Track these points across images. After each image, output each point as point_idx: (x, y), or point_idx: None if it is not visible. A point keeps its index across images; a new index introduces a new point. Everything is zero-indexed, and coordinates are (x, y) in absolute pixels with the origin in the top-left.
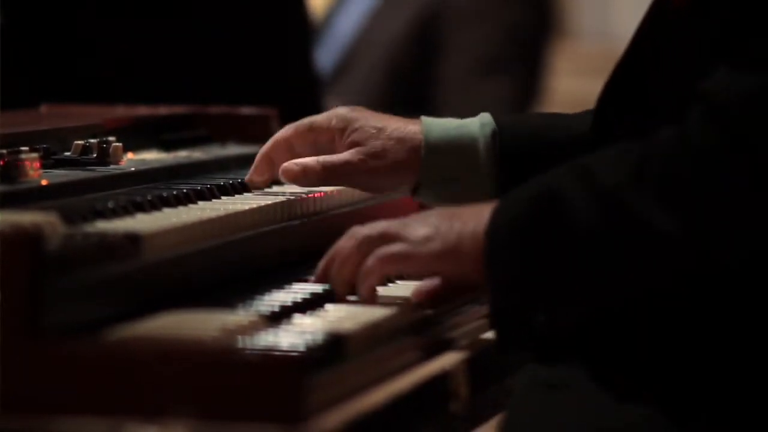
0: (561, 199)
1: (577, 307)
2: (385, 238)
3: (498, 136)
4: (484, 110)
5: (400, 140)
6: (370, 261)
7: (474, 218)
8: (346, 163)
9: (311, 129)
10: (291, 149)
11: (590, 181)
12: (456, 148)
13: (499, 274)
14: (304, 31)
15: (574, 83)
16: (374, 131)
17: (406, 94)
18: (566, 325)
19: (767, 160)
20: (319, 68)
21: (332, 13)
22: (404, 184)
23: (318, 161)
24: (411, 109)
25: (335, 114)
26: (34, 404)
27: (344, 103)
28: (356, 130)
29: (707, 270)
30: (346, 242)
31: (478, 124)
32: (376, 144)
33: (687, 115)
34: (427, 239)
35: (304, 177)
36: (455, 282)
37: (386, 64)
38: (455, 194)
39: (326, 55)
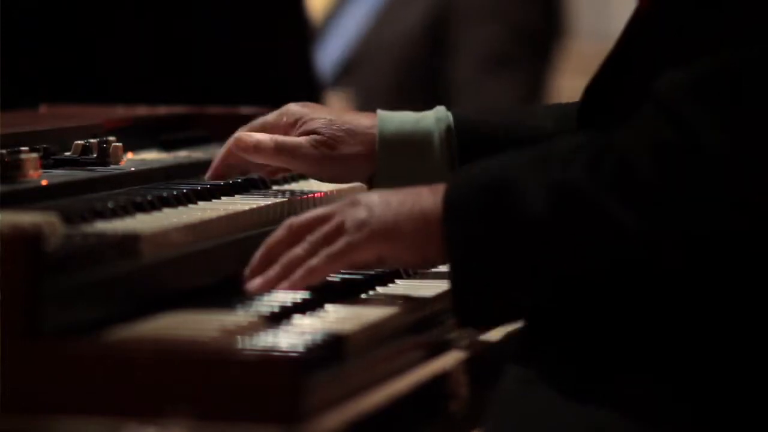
0: (513, 188)
1: (533, 294)
2: (328, 236)
3: (453, 130)
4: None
5: (351, 132)
6: (316, 261)
7: (411, 199)
8: (298, 145)
9: (263, 128)
10: None
11: (543, 169)
12: (410, 143)
13: (458, 258)
14: (303, 31)
15: (573, 83)
16: (325, 122)
17: (417, 92)
18: (524, 306)
19: (713, 150)
20: (318, 67)
21: (335, 12)
22: (357, 176)
23: (271, 138)
24: (421, 107)
25: (286, 110)
26: (33, 404)
27: (352, 101)
28: (307, 121)
29: (660, 259)
30: (284, 236)
31: (434, 119)
32: (327, 132)
33: (639, 112)
34: (363, 223)
35: (255, 151)
36: (394, 263)
37: (398, 62)
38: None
39: (330, 54)
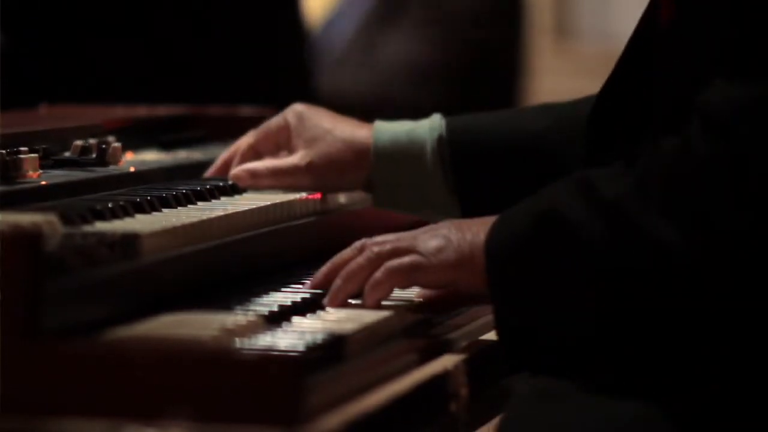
0: (561, 213)
1: (581, 319)
2: (397, 252)
3: (445, 139)
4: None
5: (347, 143)
6: (380, 273)
7: (484, 230)
8: (292, 167)
9: (268, 132)
10: (257, 154)
11: (591, 193)
12: (404, 154)
13: (501, 291)
14: (301, 32)
15: (573, 84)
16: (322, 132)
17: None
18: (572, 338)
19: (765, 169)
20: (315, 68)
21: (332, 14)
22: (353, 185)
23: (266, 166)
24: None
25: (290, 111)
26: (33, 404)
27: (342, 102)
28: (305, 129)
29: (711, 280)
30: (353, 254)
31: (428, 128)
32: (322, 146)
33: (686, 128)
34: (440, 250)
35: (253, 181)
36: (467, 293)
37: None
38: (407, 198)
39: (325, 54)
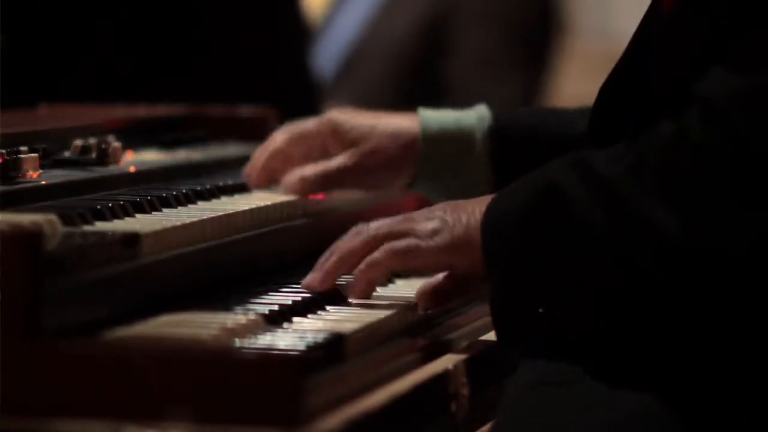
0: (559, 191)
1: (575, 299)
2: (393, 235)
3: (494, 129)
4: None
5: (394, 136)
6: (379, 252)
7: (480, 209)
8: (342, 167)
9: (303, 137)
10: (287, 158)
11: (588, 173)
12: (453, 141)
13: (497, 266)
14: (301, 31)
15: (574, 83)
16: (366, 129)
17: (412, 92)
18: (565, 318)
19: (763, 158)
20: (315, 68)
21: (332, 13)
22: (401, 178)
23: (316, 171)
24: (416, 108)
25: (325, 119)
26: (33, 405)
27: (348, 104)
28: (348, 131)
29: (704, 265)
30: (351, 239)
31: (475, 117)
32: (370, 143)
33: (685, 115)
34: (435, 232)
35: (304, 189)
36: (464, 275)
37: (394, 62)
38: (452, 186)
39: (327, 56)
